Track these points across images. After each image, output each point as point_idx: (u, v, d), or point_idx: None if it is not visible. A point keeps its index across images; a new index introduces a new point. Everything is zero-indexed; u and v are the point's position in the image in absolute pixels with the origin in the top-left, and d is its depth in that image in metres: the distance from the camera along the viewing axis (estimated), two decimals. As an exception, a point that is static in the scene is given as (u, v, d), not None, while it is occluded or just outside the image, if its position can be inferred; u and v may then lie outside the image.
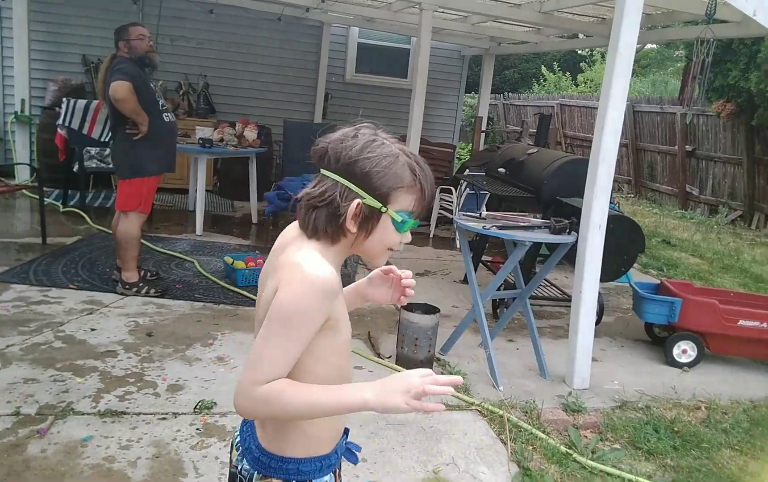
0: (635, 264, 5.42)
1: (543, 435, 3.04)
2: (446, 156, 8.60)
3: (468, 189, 6.77)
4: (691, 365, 4.10)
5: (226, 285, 4.60)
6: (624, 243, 4.05)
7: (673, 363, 4.11)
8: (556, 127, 13.15)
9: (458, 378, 1.12)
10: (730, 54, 9.23)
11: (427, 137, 8.16)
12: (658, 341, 4.45)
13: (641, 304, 4.29)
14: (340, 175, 1.11)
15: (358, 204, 1.10)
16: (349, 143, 1.11)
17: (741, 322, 4.02)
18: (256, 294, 4.19)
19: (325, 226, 1.11)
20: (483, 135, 9.45)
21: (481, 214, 3.79)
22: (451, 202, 6.98)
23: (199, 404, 2.93)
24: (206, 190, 6.33)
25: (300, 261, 1.07)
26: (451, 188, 7.02)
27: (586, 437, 3.17)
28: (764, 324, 4.00)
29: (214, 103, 8.38)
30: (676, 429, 3.26)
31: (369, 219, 1.12)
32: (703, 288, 4.84)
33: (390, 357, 3.77)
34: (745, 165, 9.97)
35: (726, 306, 4.12)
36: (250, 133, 6.45)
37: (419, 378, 1.07)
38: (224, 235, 6.16)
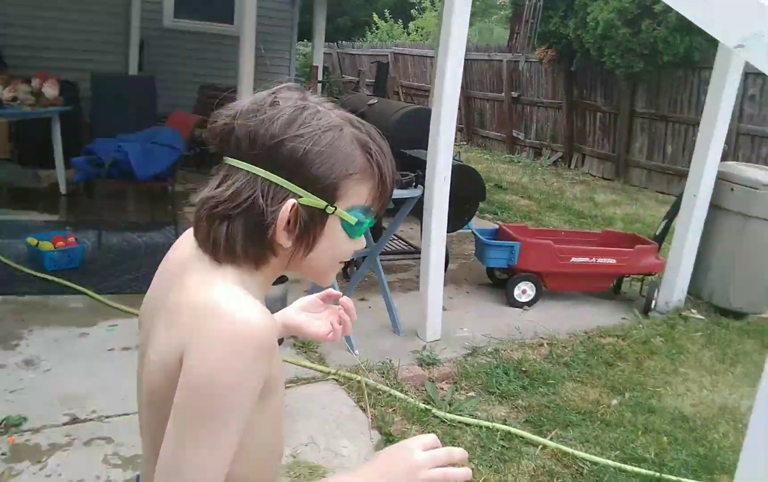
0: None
1: (402, 395, 3.02)
2: (282, 109, 8.26)
3: (308, 143, 6.56)
4: (530, 304, 4.37)
5: (32, 272, 3.97)
6: (467, 193, 4.15)
7: (514, 303, 4.34)
8: (393, 77, 13.30)
9: (463, 453, 0.86)
10: (551, 1, 9.88)
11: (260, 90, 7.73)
12: (499, 284, 4.68)
13: (483, 250, 4.45)
14: (259, 166, 0.78)
15: (293, 206, 0.78)
16: (268, 114, 0.78)
17: (573, 259, 4.34)
18: (69, 280, 3.58)
19: (245, 244, 0.79)
20: (319, 86, 9.22)
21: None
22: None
23: (5, 421, 2.47)
24: (2, 159, 5.42)
25: (218, 304, 0.73)
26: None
27: (442, 389, 3.22)
28: (593, 260, 4.36)
29: (5, 56, 7.17)
30: (524, 369, 3.44)
31: (310, 226, 0.80)
32: (538, 230, 5.17)
33: (236, 333, 3.51)
34: (565, 109, 10.88)
35: (559, 245, 4.41)
36: (51, 90, 5.60)
37: (428, 457, 0.81)
38: (27, 210, 5.33)
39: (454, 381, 3.30)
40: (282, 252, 0.82)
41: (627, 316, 4.35)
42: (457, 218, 4.34)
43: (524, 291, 4.36)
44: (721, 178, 4.38)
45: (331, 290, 1.13)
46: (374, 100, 5.20)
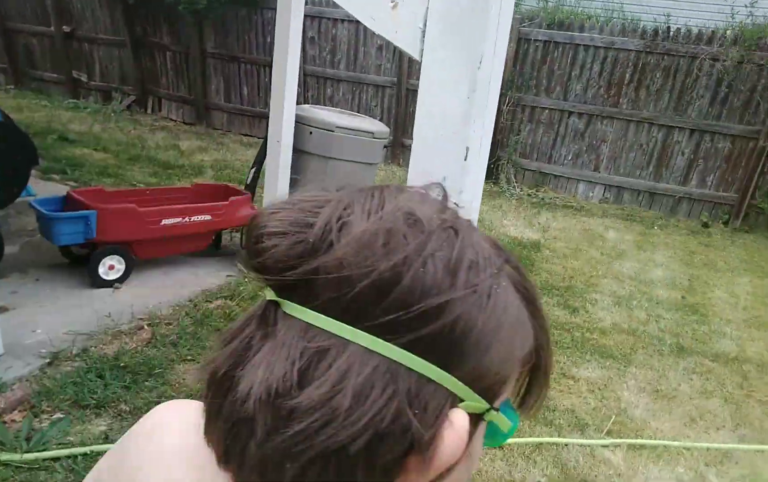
0: (35, 172, 4.68)
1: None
2: None
3: None
4: (122, 280, 3.83)
5: None
6: (9, 159, 3.33)
7: (102, 284, 3.74)
8: None
9: None
10: None
11: None
12: (80, 261, 3.97)
13: (49, 226, 3.64)
14: (397, 345, 0.41)
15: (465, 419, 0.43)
16: (412, 250, 0.42)
17: (164, 221, 3.94)
18: None
19: None
20: None
21: None
22: None
23: None
24: None
25: None
26: None
27: (15, 422, 2.53)
28: (186, 219, 4.04)
29: None
30: (122, 364, 2.96)
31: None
32: (118, 192, 4.57)
33: None
34: (130, 46, 10.02)
35: (146, 208, 3.95)
36: None
37: None
38: None
39: (32, 407, 2.62)
40: None
41: (232, 272, 4.23)
42: (5, 189, 3.46)
43: (111, 266, 3.78)
44: (300, 122, 4.54)
45: None
46: None
